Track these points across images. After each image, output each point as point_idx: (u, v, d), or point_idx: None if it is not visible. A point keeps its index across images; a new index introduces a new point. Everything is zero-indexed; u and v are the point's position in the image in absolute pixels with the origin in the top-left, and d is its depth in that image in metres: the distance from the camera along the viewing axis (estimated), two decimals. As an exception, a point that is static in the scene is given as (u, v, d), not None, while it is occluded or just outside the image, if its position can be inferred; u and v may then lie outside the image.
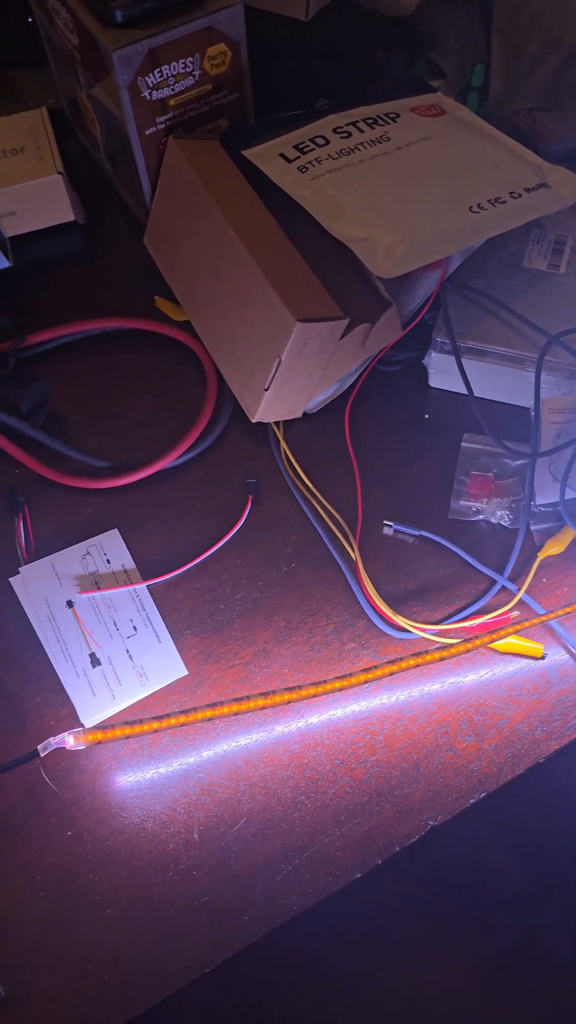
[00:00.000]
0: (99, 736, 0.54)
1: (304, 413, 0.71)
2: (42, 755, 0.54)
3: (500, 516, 0.66)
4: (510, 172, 0.71)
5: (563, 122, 0.74)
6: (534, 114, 0.76)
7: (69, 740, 0.54)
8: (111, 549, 0.66)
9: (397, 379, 0.74)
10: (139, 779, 0.57)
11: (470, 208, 0.67)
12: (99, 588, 0.64)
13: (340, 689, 0.58)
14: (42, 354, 0.76)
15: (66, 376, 0.75)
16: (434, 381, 0.72)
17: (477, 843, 0.56)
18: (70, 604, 0.64)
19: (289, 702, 0.58)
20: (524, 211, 0.68)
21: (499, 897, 0.98)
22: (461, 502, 0.67)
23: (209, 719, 0.57)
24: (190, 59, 0.69)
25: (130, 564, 0.66)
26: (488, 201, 0.68)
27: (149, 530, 0.67)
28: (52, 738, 0.54)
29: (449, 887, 0.96)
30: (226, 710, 0.56)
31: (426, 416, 0.72)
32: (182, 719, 0.56)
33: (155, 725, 0.55)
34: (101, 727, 0.56)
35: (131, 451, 0.71)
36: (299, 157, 0.71)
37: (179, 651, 0.62)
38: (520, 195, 0.69)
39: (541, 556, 0.64)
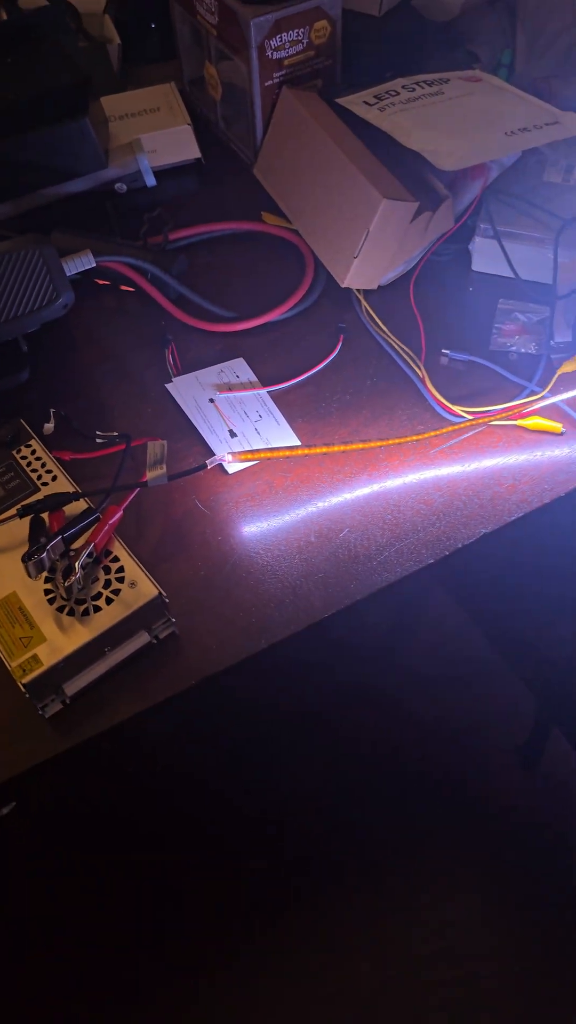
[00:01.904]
0: (247, 456, 0.76)
1: (379, 286, 0.95)
2: (208, 466, 0.76)
3: (528, 347, 0.89)
4: (532, 114, 0.96)
5: (572, 86, 1.00)
6: (550, 81, 1.02)
7: (227, 457, 0.76)
8: (239, 369, 0.89)
9: (448, 266, 0.98)
10: (267, 509, 0.79)
11: (504, 132, 0.93)
12: (232, 391, 0.87)
13: (415, 440, 0.80)
14: (179, 248, 1.00)
15: (198, 263, 0.99)
16: (476, 265, 0.96)
17: (489, 552, 0.76)
18: (211, 401, 0.86)
19: (379, 447, 0.80)
20: (543, 136, 0.93)
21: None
22: (498, 339, 0.90)
23: (323, 454, 0.79)
24: (302, 30, 0.96)
25: (254, 378, 0.89)
26: (517, 129, 0.93)
27: (266, 359, 0.90)
28: (214, 455, 0.76)
29: (489, 579, 1.15)
30: (336, 448, 0.79)
31: (470, 289, 0.96)
32: (303, 451, 0.78)
33: (285, 452, 0.77)
34: (247, 452, 0.78)
35: (249, 309, 0.94)
36: (378, 102, 0.97)
37: (293, 431, 0.84)
38: (541, 127, 0.94)
39: (560, 372, 0.86)
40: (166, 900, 1.34)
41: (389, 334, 0.91)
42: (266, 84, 0.98)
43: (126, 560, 0.70)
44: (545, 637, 1.06)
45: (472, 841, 1.36)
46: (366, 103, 0.97)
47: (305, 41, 0.97)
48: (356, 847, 1.36)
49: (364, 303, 0.94)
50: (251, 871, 1.34)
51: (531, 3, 1.05)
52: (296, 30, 0.96)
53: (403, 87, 0.99)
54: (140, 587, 0.68)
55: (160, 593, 0.68)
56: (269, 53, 0.96)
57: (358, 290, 0.95)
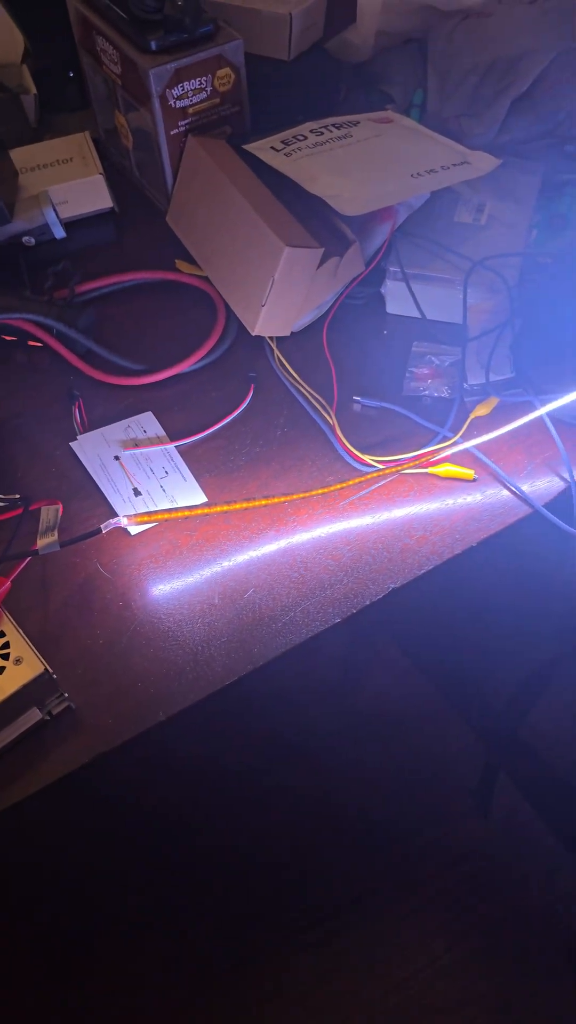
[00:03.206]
0: (145, 518, 0.74)
1: (292, 332, 0.93)
2: (104, 531, 0.73)
3: (441, 390, 0.87)
4: (441, 154, 0.95)
5: (481, 123, 1.00)
6: (460, 119, 1.01)
7: (123, 520, 0.73)
8: (147, 424, 0.87)
9: (362, 310, 0.96)
10: (170, 571, 0.76)
11: (411, 175, 0.91)
12: (138, 447, 0.85)
13: (321, 494, 0.77)
14: (88, 301, 0.98)
15: (110, 315, 0.97)
16: (391, 308, 0.95)
17: (427, 602, 0.73)
18: (117, 458, 0.84)
19: (284, 502, 0.77)
20: (450, 177, 0.92)
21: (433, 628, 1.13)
22: (412, 383, 0.88)
23: (225, 512, 0.76)
24: (204, 78, 0.95)
25: (162, 433, 0.86)
26: (424, 171, 0.92)
27: (175, 412, 0.88)
28: (111, 519, 0.74)
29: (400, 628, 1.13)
30: (237, 506, 0.76)
31: (384, 332, 0.94)
32: (204, 510, 0.75)
33: (183, 513, 0.75)
34: (146, 513, 0.75)
35: (159, 360, 0.92)
36: (285, 147, 0.95)
37: (200, 487, 0.82)
38: (448, 168, 0.93)
39: (473, 415, 0.85)
40: (105, 960, 1.29)
41: (301, 382, 0.89)
42: (171, 133, 0.97)
43: (12, 635, 0.67)
44: (487, 684, 1.04)
45: (432, 888, 1.32)
46: (273, 148, 0.96)
47: (209, 89, 0.96)
48: (309, 902, 1.32)
49: (276, 351, 0.92)
50: (198, 930, 1.30)
51: (440, 43, 1.04)
52: (198, 79, 0.94)
53: (311, 131, 0.98)
54: (26, 663, 0.65)
55: (46, 670, 0.65)
56: (172, 102, 0.94)
57: (271, 337, 0.93)
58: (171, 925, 1.31)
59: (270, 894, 1.32)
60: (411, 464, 0.80)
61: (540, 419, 0.82)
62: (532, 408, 0.82)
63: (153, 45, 0.91)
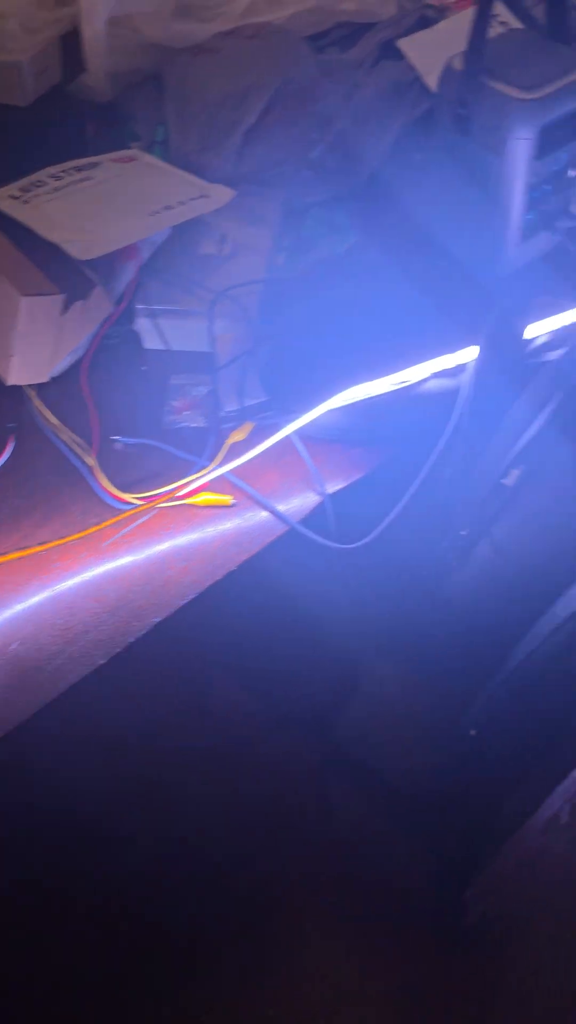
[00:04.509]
0: None
1: (51, 377, 0.93)
2: None
3: (198, 421, 0.89)
4: (179, 190, 0.98)
5: (219, 156, 1.03)
6: (200, 153, 1.04)
7: None
8: None
9: (120, 348, 0.97)
10: None
11: (148, 213, 0.93)
12: None
13: (79, 538, 0.78)
14: None
15: None
16: (148, 344, 0.96)
17: (191, 631, 0.76)
18: None
19: (43, 551, 0.78)
20: (188, 211, 0.94)
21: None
22: (170, 417, 0.90)
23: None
24: None
25: None
26: (162, 207, 0.94)
27: None
28: None
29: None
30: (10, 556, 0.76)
31: (144, 368, 0.95)
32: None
33: None
34: None
35: None
36: (23, 195, 0.96)
37: (-38, 545, 0.81)
38: (186, 202, 0.96)
39: (228, 442, 0.87)
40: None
41: (61, 427, 0.89)
42: None
43: None
44: (303, 696, 1.06)
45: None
46: (12, 197, 0.96)
47: None
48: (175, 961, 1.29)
49: (35, 398, 0.92)
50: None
51: (174, 79, 1.07)
52: None
53: (51, 176, 0.99)
54: None
55: None
56: None
57: (30, 385, 0.93)
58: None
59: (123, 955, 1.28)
60: (167, 498, 0.81)
61: (291, 438, 0.85)
62: (281, 429, 0.85)
63: None
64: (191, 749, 1.09)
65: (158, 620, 0.76)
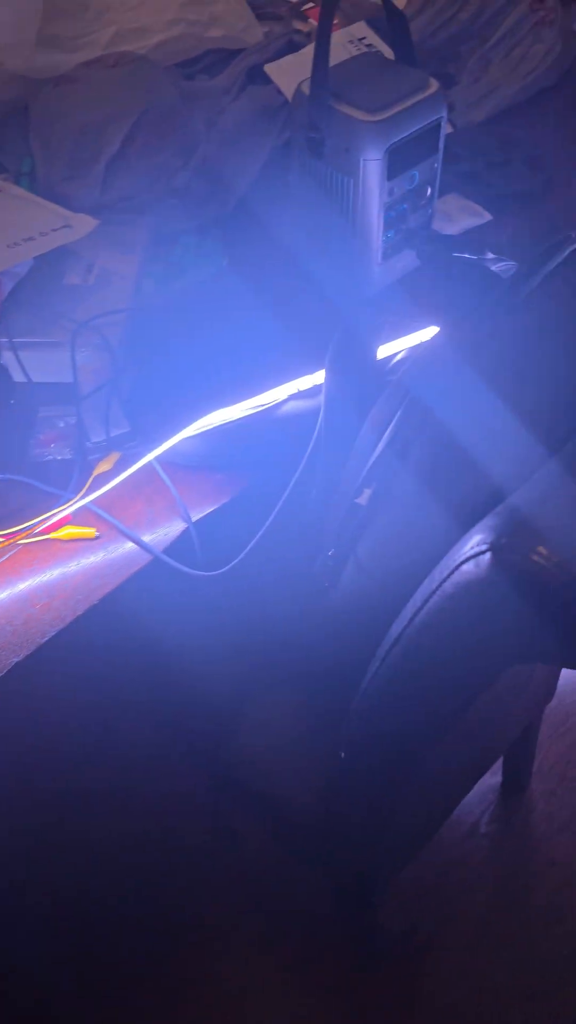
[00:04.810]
0: None
1: None
2: None
3: (64, 452, 0.88)
4: (42, 220, 0.97)
5: (83, 185, 1.02)
6: (65, 183, 1.03)
7: None
8: None
9: (-11, 381, 0.96)
10: None
11: (7, 244, 0.92)
12: None
13: None
14: None
15: None
16: (16, 376, 0.95)
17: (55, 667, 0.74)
18: None
19: None
20: (49, 242, 0.94)
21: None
22: (37, 450, 0.88)
23: None
24: None
25: None
26: (22, 238, 0.93)
27: None
28: None
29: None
30: None
31: (12, 402, 0.94)
32: None
33: None
34: None
35: None
36: None
37: None
38: (47, 233, 0.95)
39: (95, 473, 0.86)
40: None
41: None
42: None
43: None
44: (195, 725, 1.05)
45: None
46: None
47: None
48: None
49: None
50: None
51: (38, 110, 1.06)
52: None
53: None
54: None
55: None
56: None
57: None
58: None
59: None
60: (27, 534, 0.80)
61: (153, 465, 0.85)
62: (143, 457, 0.84)
63: None
64: (74, 792, 1.06)
65: (18, 660, 0.74)
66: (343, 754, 0.75)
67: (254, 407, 0.83)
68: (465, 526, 0.63)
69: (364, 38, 1.21)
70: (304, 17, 1.28)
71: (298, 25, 1.24)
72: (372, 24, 1.22)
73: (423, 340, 0.82)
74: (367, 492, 0.72)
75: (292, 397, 0.83)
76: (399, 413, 0.66)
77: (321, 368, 0.82)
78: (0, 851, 1.04)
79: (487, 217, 1.08)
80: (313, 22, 1.26)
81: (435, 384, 0.70)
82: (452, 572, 0.55)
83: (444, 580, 0.56)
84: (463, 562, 0.54)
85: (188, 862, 1.25)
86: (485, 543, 0.52)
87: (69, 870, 1.20)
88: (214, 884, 1.21)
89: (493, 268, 0.78)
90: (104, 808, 1.14)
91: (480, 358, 0.69)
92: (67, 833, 1.16)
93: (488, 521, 0.55)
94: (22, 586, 0.79)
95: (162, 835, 1.21)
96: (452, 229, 1.05)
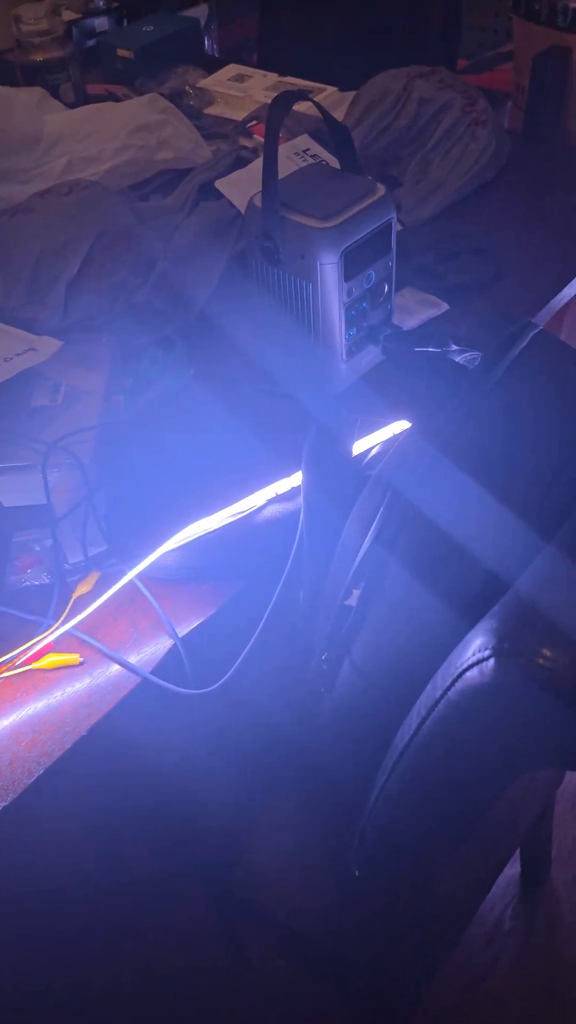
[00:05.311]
0: None
1: None
2: None
3: (41, 577, 0.85)
4: (5, 346, 0.97)
5: (44, 309, 1.03)
6: (25, 308, 1.04)
7: None
8: None
9: (-39, 510, 0.94)
10: None
11: (-29, 373, 0.92)
12: None
13: None
14: None
15: None
16: (-12, 502, 0.93)
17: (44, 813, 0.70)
18: None
19: None
20: (14, 367, 0.93)
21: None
22: (12, 577, 0.86)
23: None
24: None
25: None
26: (-14, 366, 0.93)
27: None
28: None
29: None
30: None
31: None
32: None
33: None
34: None
35: None
36: None
37: None
38: (11, 358, 0.95)
39: (75, 595, 0.84)
40: None
41: None
42: None
43: None
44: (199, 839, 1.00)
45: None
46: None
47: None
48: None
49: None
50: None
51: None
52: None
53: None
54: None
55: None
56: None
57: None
58: None
59: None
60: (8, 667, 0.77)
61: (135, 583, 0.82)
62: (124, 576, 0.82)
63: None
64: (73, 932, 1.00)
65: (5, 804, 0.70)
66: (356, 872, 0.70)
67: (233, 515, 0.81)
68: (462, 614, 0.62)
69: (308, 149, 1.25)
70: (249, 134, 1.33)
71: (244, 142, 1.29)
72: (315, 136, 1.27)
73: (396, 433, 0.82)
74: (356, 592, 0.70)
75: (271, 501, 0.82)
76: (382, 508, 0.65)
77: (297, 470, 0.81)
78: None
79: (444, 307, 1.10)
80: (258, 138, 1.31)
81: (416, 475, 0.69)
82: (456, 680, 0.52)
83: (448, 688, 0.53)
84: (466, 669, 0.51)
85: (199, 1000, 1.17)
86: (487, 647, 0.50)
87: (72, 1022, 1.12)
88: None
89: (457, 359, 0.79)
90: (105, 948, 1.07)
91: (458, 444, 0.69)
92: (67, 975, 1.08)
93: (488, 623, 0.53)
94: (5, 723, 0.75)
95: (174, 975, 1.13)
96: (412, 322, 1.07)
